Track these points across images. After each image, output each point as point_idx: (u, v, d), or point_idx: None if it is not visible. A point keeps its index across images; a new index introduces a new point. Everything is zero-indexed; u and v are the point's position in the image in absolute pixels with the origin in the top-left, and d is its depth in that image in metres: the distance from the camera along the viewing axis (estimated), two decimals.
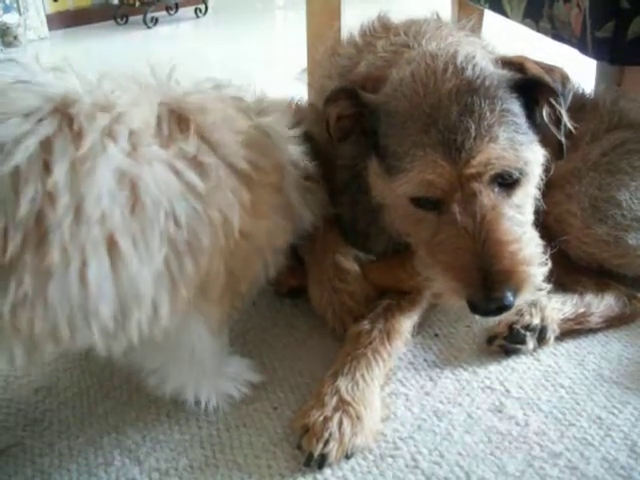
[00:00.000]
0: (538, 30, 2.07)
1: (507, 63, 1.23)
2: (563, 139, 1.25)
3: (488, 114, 1.12)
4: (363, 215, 1.38)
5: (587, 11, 1.71)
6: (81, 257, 0.90)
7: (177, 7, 5.26)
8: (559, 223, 1.44)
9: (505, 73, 1.20)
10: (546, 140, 1.24)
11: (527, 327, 1.34)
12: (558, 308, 1.38)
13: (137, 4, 4.94)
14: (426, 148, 1.12)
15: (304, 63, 2.47)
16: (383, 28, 1.45)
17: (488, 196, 1.12)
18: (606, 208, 1.43)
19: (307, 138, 1.32)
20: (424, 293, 1.38)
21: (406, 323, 1.35)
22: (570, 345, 1.39)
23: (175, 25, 5.07)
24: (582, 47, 1.79)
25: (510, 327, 1.34)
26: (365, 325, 1.31)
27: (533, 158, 1.18)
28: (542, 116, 1.23)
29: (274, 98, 1.36)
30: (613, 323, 1.43)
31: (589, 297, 1.42)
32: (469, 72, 1.16)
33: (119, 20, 4.99)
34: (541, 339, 1.35)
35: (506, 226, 1.13)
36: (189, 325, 1.12)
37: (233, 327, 1.27)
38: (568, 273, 1.45)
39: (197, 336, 1.15)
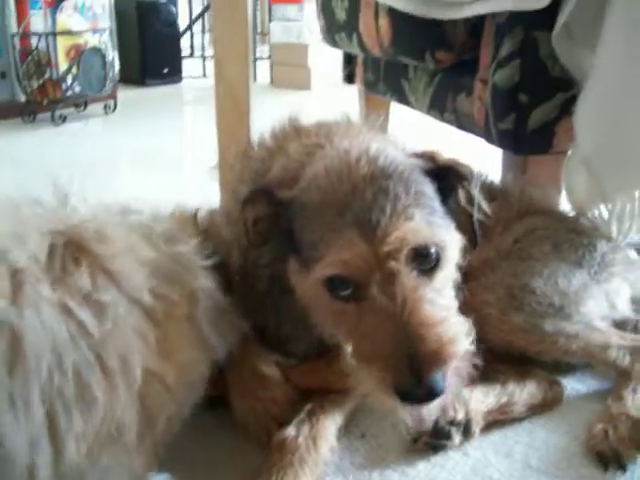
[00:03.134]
0: (443, 120, 2.15)
1: (418, 156, 1.26)
2: (477, 225, 1.28)
3: (403, 195, 1.13)
4: (288, 319, 1.36)
5: (489, 105, 1.78)
6: None
7: (86, 104, 5.21)
8: (477, 313, 1.45)
9: (418, 161, 1.23)
10: (459, 228, 1.26)
11: (452, 422, 1.33)
12: (481, 400, 1.38)
13: (45, 101, 4.88)
14: (341, 230, 1.11)
15: (215, 159, 2.47)
16: (294, 130, 1.46)
17: (407, 276, 1.10)
18: (522, 296, 1.46)
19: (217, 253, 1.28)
20: (349, 393, 1.35)
21: (331, 427, 1.31)
22: (496, 436, 1.38)
23: (84, 121, 5.04)
24: (487, 137, 1.86)
25: (434, 424, 1.33)
26: (290, 432, 1.27)
27: (450, 241, 1.19)
28: (456, 201, 1.26)
29: (182, 219, 1.31)
30: (536, 411, 1.43)
31: (511, 386, 1.42)
32: (382, 160, 1.18)
33: (26, 117, 4.92)
34: (467, 433, 1.34)
35: (429, 308, 1.10)
36: (107, 474, 1.05)
37: None
38: (489, 362, 1.45)
39: None
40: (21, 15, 5.04)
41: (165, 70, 6.92)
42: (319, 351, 1.38)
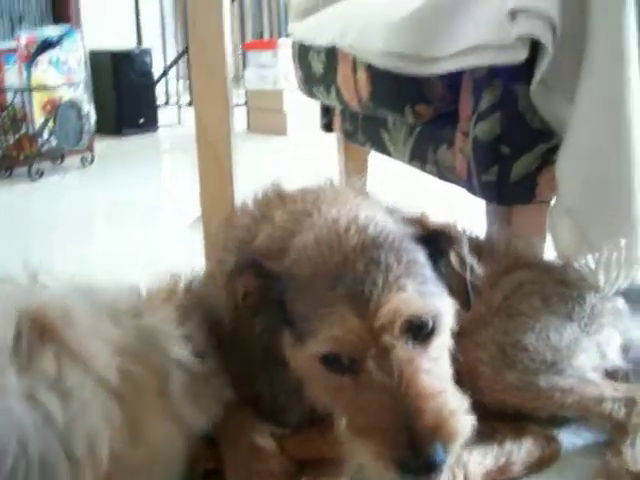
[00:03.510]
0: (425, 171, 2.15)
1: (407, 221, 1.26)
2: (470, 287, 1.28)
3: (395, 265, 1.12)
4: (283, 389, 1.34)
5: (471, 157, 1.78)
6: None
7: (63, 157, 5.16)
8: (470, 371, 1.44)
9: (407, 228, 1.23)
10: (451, 291, 1.26)
11: None
12: (479, 462, 1.35)
13: (21, 156, 4.85)
14: (334, 304, 1.10)
15: (195, 212, 2.45)
16: (278, 197, 1.46)
17: (402, 349, 1.10)
18: (514, 353, 1.45)
19: (205, 326, 1.27)
20: (344, 463, 1.33)
21: None
22: None
23: (61, 175, 5.00)
24: (469, 189, 1.87)
25: None
26: None
27: (444, 308, 1.19)
28: (448, 265, 1.25)
29: (156, 292, 1.30)
30: (534, 469, 1.41)
31: (509, 445, 1.40)
32: (372, 230, 1.17)
33: (2, 173, 4.85)
34: None
35: (426, 379, 1.10)
36: None
37: None
38: (485, 421, 1.43)
39: None
40: None
41: (141, 120, 6.92)
42: (312, 419, 1.36)
